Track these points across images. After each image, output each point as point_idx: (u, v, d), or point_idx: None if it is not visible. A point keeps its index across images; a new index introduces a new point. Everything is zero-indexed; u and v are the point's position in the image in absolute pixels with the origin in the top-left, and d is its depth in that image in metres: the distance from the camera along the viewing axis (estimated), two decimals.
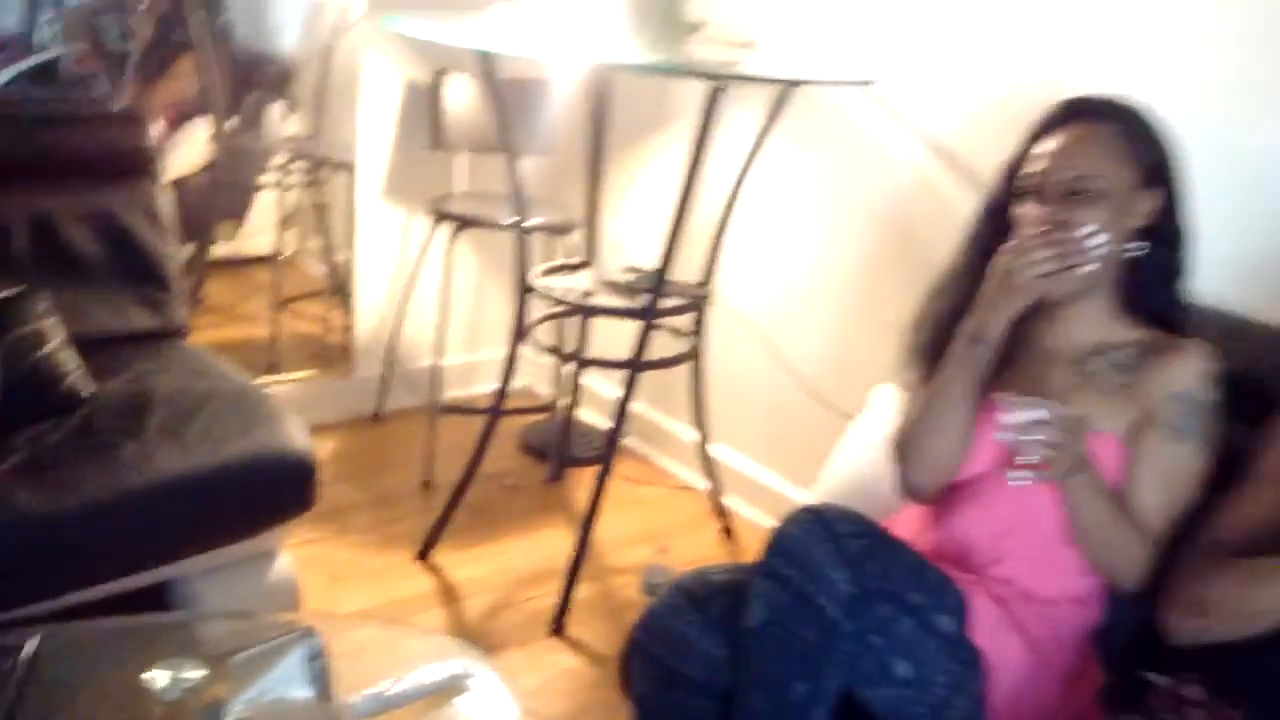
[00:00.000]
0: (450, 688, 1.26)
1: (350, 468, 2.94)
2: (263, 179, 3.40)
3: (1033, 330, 1.55)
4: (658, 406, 3.08)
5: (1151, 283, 1.53)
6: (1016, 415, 1.30)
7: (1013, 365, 1.55)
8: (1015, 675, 1.43)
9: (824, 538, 1.35)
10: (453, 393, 3.23)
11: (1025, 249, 1.45)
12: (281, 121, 3.31)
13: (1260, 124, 1.85)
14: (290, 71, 3.35)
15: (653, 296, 2.34)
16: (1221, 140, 1.83)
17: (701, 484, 2.83)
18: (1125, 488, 1.46)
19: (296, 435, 1.92)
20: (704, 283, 2.59)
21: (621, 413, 2.40)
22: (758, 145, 2.45)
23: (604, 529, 2.61)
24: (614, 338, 2.73)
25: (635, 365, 2.39)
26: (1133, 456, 1.46)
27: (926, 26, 2.35)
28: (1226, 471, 1.46)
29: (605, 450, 2.42)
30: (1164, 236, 1.51)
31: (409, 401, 3.20)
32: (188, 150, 3.23)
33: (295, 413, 2.02)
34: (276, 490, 1.87)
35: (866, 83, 2.39)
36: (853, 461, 2.00)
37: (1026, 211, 1.49)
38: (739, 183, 2.50)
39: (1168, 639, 1.40)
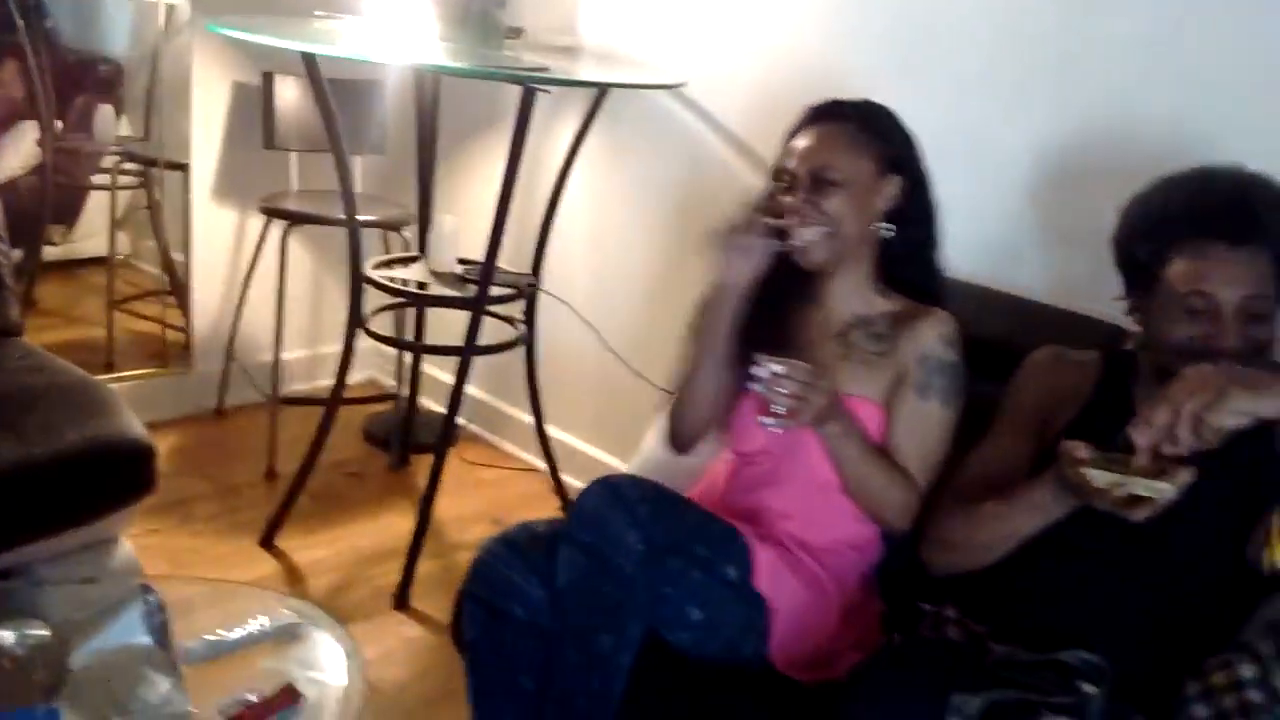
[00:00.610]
0: (284, 636, 1.37)
1: (193, 461, 2.96)
2: (94, 180, 3.39)
3: (805, 315, 1.75)
4: (496, 393, 3.21)
5: (901, 258, 1.74)
6: (762, 369, 1.50)
7: (791, 346, 1.71)
8: (798, 613, 1.61)
9: (616, 504, 1.52)
10: (296, 386, 3.27)
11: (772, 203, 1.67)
12: (111, 123, 3.30)
13: (1001, 120, 2.10)
14: (119, 74, 3.34)
15: (480, 287, 2.47)
16: (969, 134, 2.08)
17: (540, 464, 2.96)
18: (887, 443, 1.67)
19: (132, 420, 1.97)
20: (532, 273, 2.73)
21: (456, 396, 2.53)
22: (576, 144, 2.61)
23: (447, 509, 2.73)
24: (451, 328, 2.82)
25: (466, 351, 2.52)
26: (890, 414, 1.67)
27: (731, 35, 2.52)
28: (980, 425, 1.67)
29: (442, 432, 2.54)
30: (909, 217, 1.72)
31: (251, 396, 3.23)
32: (14, 154, 3.20)
33: (136, 409, 2.06)
34: (115, 473, 1.92)
35: (676, 86, 2.56)
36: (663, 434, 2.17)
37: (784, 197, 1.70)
38: (561, 180, 2.65)
39: (928, 572, 1.61)
